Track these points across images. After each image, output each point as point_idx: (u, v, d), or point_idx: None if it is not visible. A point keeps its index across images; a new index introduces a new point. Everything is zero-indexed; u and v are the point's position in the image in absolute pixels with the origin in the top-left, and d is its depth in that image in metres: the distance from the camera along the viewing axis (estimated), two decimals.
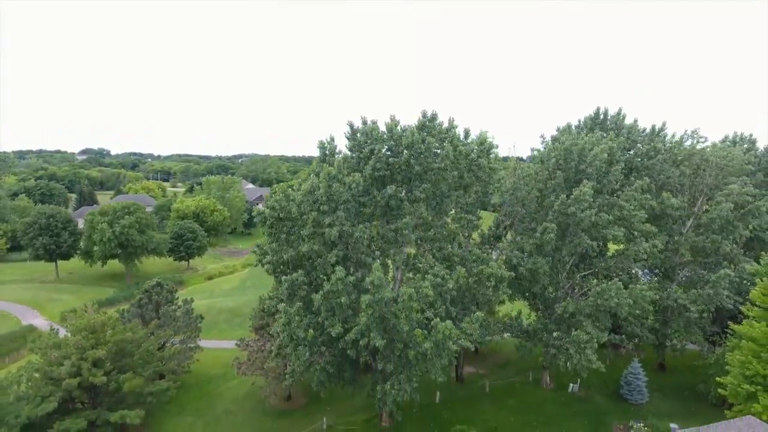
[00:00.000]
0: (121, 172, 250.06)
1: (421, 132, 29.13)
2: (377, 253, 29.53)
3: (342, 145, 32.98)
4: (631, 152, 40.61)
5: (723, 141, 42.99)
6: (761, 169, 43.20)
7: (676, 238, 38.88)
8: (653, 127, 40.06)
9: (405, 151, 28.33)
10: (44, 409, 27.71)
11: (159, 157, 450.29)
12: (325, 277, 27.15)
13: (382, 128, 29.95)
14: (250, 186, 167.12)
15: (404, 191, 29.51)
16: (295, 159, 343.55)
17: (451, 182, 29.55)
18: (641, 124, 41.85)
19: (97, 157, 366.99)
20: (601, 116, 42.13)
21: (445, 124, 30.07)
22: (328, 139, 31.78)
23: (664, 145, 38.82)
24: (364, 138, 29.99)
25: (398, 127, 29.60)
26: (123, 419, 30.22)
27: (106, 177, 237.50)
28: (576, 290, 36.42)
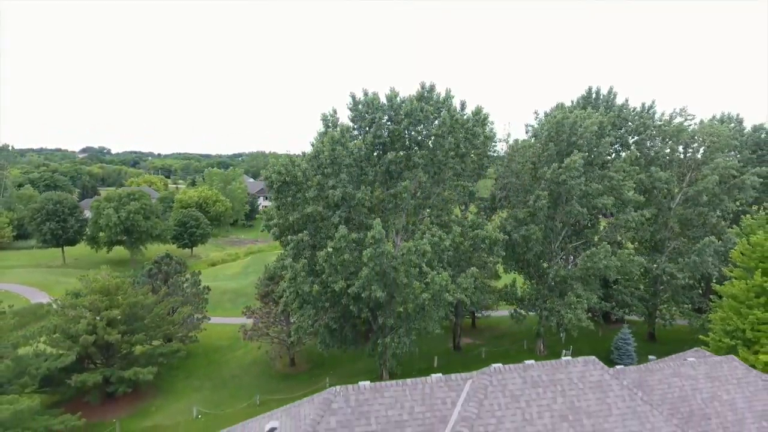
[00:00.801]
0: (123, 169, 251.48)
1: (420, 102, 30.71)
2: (378, 220, 31.08)
3: (344, 118, 34.55)
4: (622, 130, 42.18)
5: (711, 120, 44.49)
6: (748, 147, 44.82)
7: (665, 212, 40.49)
8: (643, 105, 41.63)
9: (404, 119, 29.90)
10: (63, 361, 29.25)
11: (159, 155, 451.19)
12: (328, 239, 28.72)
13: (383, 100, 31.55)
14: (251, 180, 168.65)
15: (403, 158, 31.09)
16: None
17: (447, 149, 31.06)
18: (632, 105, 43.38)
19: (98, 155, 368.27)
20: (594, 95, 43.72)
21: (443, 95, 31.64)
22: (331, 112, 33.30)
23: (653, 122, 40.40)
24: (365, 108, 31.53)
25: (398, 98, 31.17)
26: (136, 375, 31.80)
27: (107, 173, 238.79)
28: (570, 262, 38.06)
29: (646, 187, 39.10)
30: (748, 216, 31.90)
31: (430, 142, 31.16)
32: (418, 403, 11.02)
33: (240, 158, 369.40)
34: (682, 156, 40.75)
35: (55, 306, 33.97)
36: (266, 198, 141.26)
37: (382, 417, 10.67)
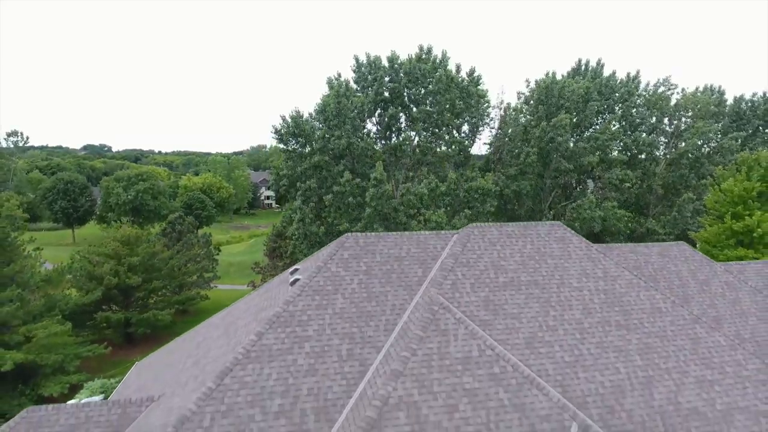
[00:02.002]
0: (125, 163, 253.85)
1: (419, 62, 33.31)
2: (380, 162, 33.59)
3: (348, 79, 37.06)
4: (609, 100, 44.73)
5: (694, 92, 47.05)
6: (729, 116, 47.40)
7: (650, 176, 43.02)
8: (628, 74, 44.16)
9: (403, 77, 32.49)
10: (90, 297, 31.78)
11: (160, 152, 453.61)
12: (334, 185, 31.26)
13: (384, 63, 34.11)
14: (253, 172, 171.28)
15: (403, 114, 33.67)
16: None
17: (443, 108, 33.59)
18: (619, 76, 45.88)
19: (99, 152, 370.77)
20: (583, 67, 46.25)
21: (439, 57, 34.22)
22: (336, 75, 35.86)
23: (637, 90, 42.95)
24: (368, 69, 34.12)
25: (398, 60, 33.76)
26: (155, 317, 34.34)
27: (110, 168, 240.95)
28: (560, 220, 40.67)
29: (631, 151, 41.64)
30: (720, 166, 34.45)
31: (427, 101, 33.70)
32: (413, 246, 13.57)
33: (241, 155, 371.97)
34: (667, 127, 43.32)
35: (78, 255, 36.52)
36: (268, 188, 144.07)
37: (385, 253, 13.21)
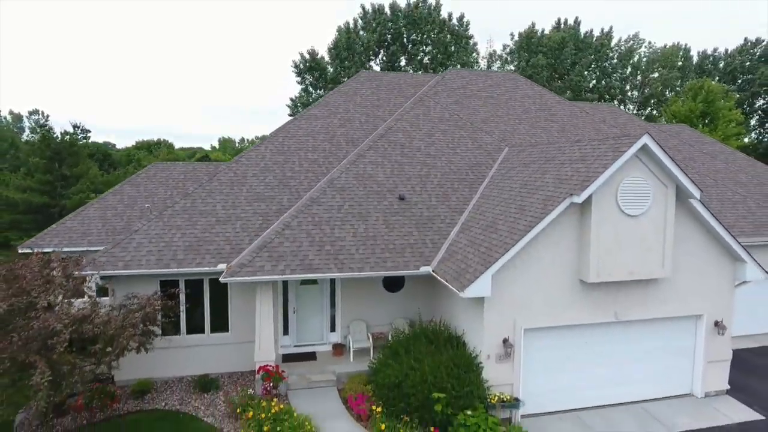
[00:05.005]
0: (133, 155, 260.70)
1: (416, 9, 39.17)
2: None
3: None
4: (585, 52, 50.48)
5: (663, 48, 52.80)
6: (694, 71, 53.10)
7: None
8: (601, 30, 49.95)
9: (402, 19, 38.34)
10: None
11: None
12: None
13: (387, 11, 39.97)
14: None
15: (403, 57, 39.49)
16: None
17: (438, 47, 39.39)
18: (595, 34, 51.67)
19: (103, 148, 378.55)
20: (562, 25, 51.99)
21: (434, 4, 40.08)
22: (344, 24, 41.69)
23: (610, 44, 48.73)
24: (372, 17, 39.97)
25: (399, 9, 39.61)
26: None
27: (118, 158, 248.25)
28: None
29: (604, 98, 47.38)
30: (672, 94, 40.21)
31: (423, 44, 39.49)
32: (410, 79, 19.42)
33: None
34: (638, 81, 49.14)
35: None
36: None
37: (390, 81, 19.11)
